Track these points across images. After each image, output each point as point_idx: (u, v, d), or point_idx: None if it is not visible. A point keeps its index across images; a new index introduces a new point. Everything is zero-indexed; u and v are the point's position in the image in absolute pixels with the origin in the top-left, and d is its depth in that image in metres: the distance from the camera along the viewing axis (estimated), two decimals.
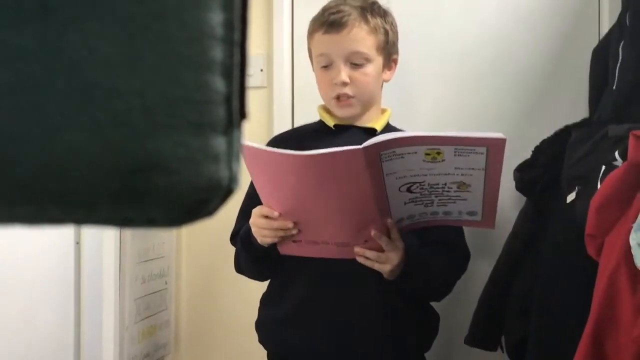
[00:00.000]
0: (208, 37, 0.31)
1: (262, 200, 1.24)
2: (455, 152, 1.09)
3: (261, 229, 1.25)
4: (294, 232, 1.23)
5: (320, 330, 1.32)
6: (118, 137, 0.30)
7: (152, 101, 0.30)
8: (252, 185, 1.31)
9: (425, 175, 1.13)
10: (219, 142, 0.32)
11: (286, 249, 1.27)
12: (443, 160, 1.10)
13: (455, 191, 1.16)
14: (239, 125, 0.33)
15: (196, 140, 0.31)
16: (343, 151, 1.09)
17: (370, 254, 1.22)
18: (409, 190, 1.16)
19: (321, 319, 1.33)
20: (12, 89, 0.28)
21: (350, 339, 1.31)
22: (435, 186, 1.15)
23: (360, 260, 1.23)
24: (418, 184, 1.15)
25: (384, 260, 1.22)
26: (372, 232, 1.19)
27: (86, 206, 0.30)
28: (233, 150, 0.32)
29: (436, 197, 1.17)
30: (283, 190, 1.20)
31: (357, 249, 1.22)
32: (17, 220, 0.31)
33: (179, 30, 0.30)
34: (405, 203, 1.18)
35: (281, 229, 1.22)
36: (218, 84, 0.31)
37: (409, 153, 1.09)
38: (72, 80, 0.29)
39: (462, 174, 1.13)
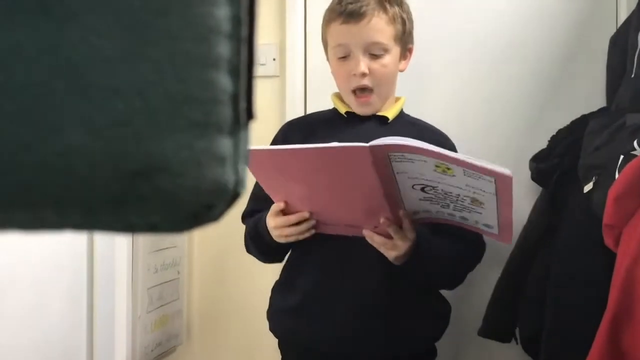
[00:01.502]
0: (213, 32, 0.29)
1: (272, 198, 1.25)
2: (464, 172, 1.07)
3: (282, 228, 1.25)
4: (313, 221, 1.24)
5: (328, 319, 1.32)
6: (118, 138, 0.28)
7: (154, 101, 0.28)
8: None
9: (438, 182, 1.11)
10: (225, 144, 0.30)
11: None
12: (453, 176, 1.08)
13: (469, 203, 1.14)
14: (246, 126, 0.31)
15: (200, 142, 0.29)
16: (349, 147, 1.09)
17: (377, 238, 1.21)
18: (422, 190, 1.14)
19: (330, 308, 1.32)
20: (7, 89, 0.27)
21: (359, 327, 1.31)
22: (449, 193, 1.13)
23: (368, 240, 1.23)
24: (431, 187, 1.13)
25: (391, 248, 1.21)
26: (381, 220, 1.18)
27: (85, 211, 0.29)
28: (240, 152, 0.31)
29: (451, 202, 1.15)
30: (291, 184, 1.20)
31: (365, 232, 1.22)
32: (12, 225, 0.29)
33: (182, 26, 0.29)
34: (420, 199, 1.17)
35: (300, 222, 1.24)
36: (224, 82, 0.30)
37: (419, 160, 1.08)
38: (71, 80, 0.28)
39: (474, 192, 1.11)
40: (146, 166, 0.29)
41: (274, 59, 1.87)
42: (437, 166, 1.08)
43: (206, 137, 0.30)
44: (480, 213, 1.15)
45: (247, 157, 0.31)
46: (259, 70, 1.91)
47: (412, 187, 1.14)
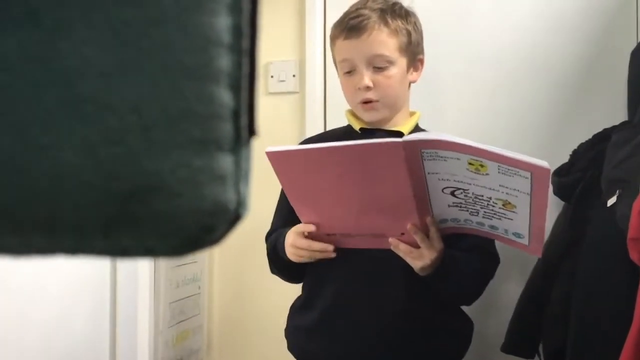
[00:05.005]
0: (213, 44, 0.27)
1: (295, 208, 1.23)
2: (499, 169, 1.05)
3: (299, 249, 1.25)
4: (333, 255, 1.23)
5: (345, 339, 1.30)
6: (112, 157, 0.26)
7: (150, 117, 0.27)
8: None
9: (470, 184, 1.09)
10: (225, 162, 0.28)
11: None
12: (487, 174, 1.06)
13: (500, 208, 1.11)
14: (247, 143, 0.29)
15: (199, 160, 0.28)
16: (381, 143, 1.08)
17: (403, 246, 1.19)
18: (452, 194, 1.12)
19: (347, 327, 1.30)
20: None
21: (378, 348, 1.28)
22: (480, 197, 1.11)
23: (394, 250, 1.21)
24: (462, 191, 1.11)
25: (417, 257, 1.19)
26: (408, 226, 1.17)
27: (76, 235, 0.27)
28: (241, 170, 0.29)
29: (481, 208, 1.13)
30: (317, 188, 1.18)
31: (391, 240, 1.20)
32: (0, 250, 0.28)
33: (180, 37, 0.27)
34: (449, 206, 1.15)
35: (319, 251, 1.23)
36: (224, 96, 0.28)
37: (452, 158, 1.06)
38: (61, 94, 0.26)
39: (507, 193, 1.08)
40: (141, 186, 0.27)
41: (294, 76, 1.88)
42: (470, 164, 1.06)
43: (205, 154, 0.28)
44: (512, 219, 1.13)
45: (249, 175, 0.30)
46: (279, 87, 1.92)
47: (442, 190, 1.12)
